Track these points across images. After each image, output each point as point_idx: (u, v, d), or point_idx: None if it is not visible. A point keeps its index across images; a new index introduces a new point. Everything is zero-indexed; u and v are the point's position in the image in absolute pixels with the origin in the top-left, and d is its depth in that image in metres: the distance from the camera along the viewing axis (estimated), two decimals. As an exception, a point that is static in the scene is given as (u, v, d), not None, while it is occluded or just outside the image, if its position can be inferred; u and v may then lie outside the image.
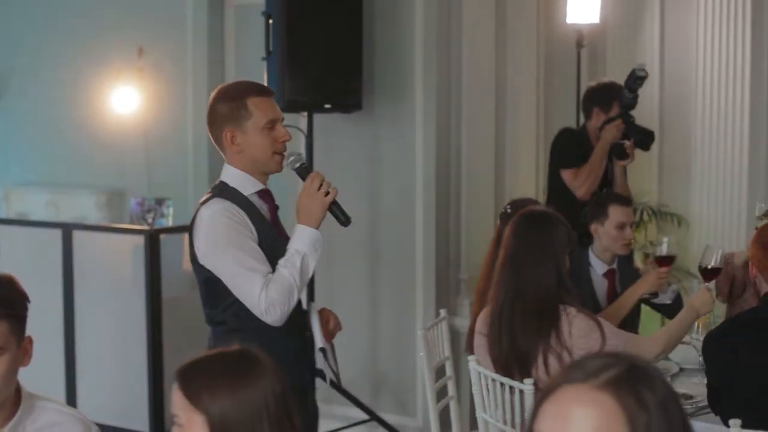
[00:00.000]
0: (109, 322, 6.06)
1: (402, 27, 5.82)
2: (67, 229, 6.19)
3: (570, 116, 6.50)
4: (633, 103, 5.43)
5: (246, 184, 3.48)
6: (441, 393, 4.54)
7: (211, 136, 3.56)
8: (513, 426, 3.66)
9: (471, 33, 5.95)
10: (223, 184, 3.49)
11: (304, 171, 3.52)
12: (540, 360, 3.59)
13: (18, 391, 2.64)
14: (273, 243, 3.46)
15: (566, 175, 5.49)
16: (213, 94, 3.59)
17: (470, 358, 3.87)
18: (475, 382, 3.83)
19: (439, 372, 4.61)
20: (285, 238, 3.53)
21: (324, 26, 5.56)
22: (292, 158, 3.51)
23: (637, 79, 5.37)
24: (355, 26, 5.67)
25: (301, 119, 5.72)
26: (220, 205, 3.38)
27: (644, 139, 5.48)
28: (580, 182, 5.40)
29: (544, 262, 3.62)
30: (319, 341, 3.58)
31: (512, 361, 3.64)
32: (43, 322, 6.17)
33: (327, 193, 3.46)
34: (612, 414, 1.52)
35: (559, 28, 6.56)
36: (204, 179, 8.13)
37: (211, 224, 3.38)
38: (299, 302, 3.46)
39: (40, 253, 6.25)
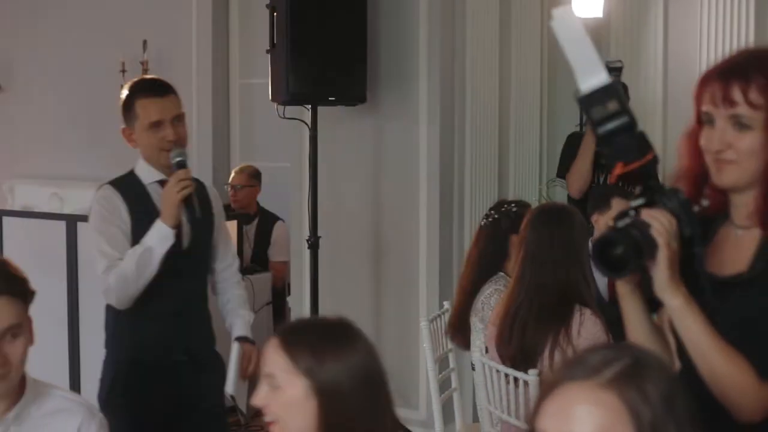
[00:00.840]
0: (112, 314, 6.06)
1: (406, 20, 5.82)
2: (71, 221, 6.20)
3: (573, 110, 6.50)
4: None
5: (147, 173, 3.76)
6: (444, 385, 4.55)
7: None
8: (517, 417, 3.67)
9: (475, 27, 5.94)
10: (131, 170, 3.80)
11: (177, 168, 3.69)
12: (546, 354, 3.59)
13: (23, 377, 2.65)
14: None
15: (566, 179, 5.70)
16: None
17: (474, 349, 3.88)
18: (478, 373, 3.83)
19: (442, 364, 4.61)
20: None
21: (328, 19, 5.55)
22: (173, 154, 3.70)
23: (611, 71, 5.35)
24: (360, 19, 5.65)
25: (305, 112, 5.71)
26: (100, 192, 3.73)
27: None
28: (569, 182, 5.50)
29: (567, 257, 3.60)
30: (230, 386, 3.86)
31: (518, 354, 3.64)
32: (47, 313, 6.18)
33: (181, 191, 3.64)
34: (616, 412, 1.51)
35: (563, 23, 6.55)
36: (208, 170, 8.15)
37: (91, 207, 3.75)
38: (173, 297, 3.74)
39: (45, 245, 6.26)
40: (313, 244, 5.58)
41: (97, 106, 7.95)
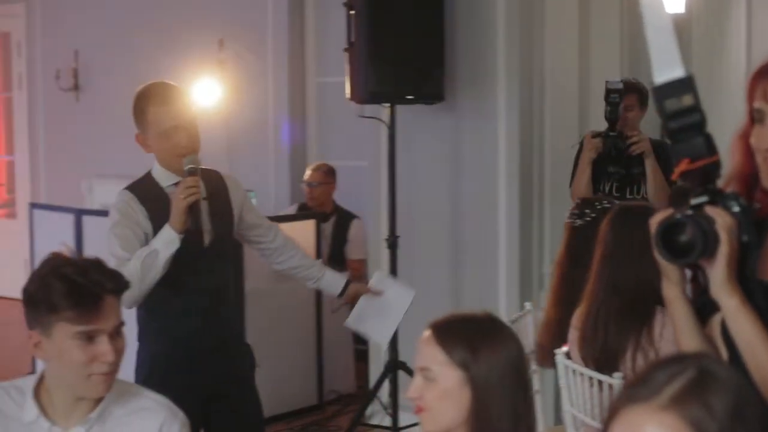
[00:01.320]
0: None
1: (484, 17, 5.77)
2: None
3: (652, 106, 6.40)
4: (611, 117, 5.22)
5: (163, 177, 3.82)
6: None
7: None
8: (601, 421, 3.60)
9: (554, 23, 5.88)
10: (148, 173, 3.86)
11: (188, 175, 3.71)
12: (629, 356, 3.52)
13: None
14: None
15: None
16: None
17: (557, 351, 3.82)
18: (561, 376, 3.78)
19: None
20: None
21: (406, 16, 5.53)
22: (185, 161, 3.72)
23: (609, 92, 5.18)
24: (437, 16, 5.62)
25: (384, 110, 5.69)
26: (118, 197, 3.82)
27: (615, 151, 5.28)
28: (572, 195, 5.32)
29: (644, 258, 3.52)
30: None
31: (601, 356, 3.58)
32: (123, 312, 6.21)
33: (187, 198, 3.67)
34: None
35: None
36: (285, 170, 8.17)
37: (110, 210, 3.84)
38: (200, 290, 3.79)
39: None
40: (392, 244, 5.55)
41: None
